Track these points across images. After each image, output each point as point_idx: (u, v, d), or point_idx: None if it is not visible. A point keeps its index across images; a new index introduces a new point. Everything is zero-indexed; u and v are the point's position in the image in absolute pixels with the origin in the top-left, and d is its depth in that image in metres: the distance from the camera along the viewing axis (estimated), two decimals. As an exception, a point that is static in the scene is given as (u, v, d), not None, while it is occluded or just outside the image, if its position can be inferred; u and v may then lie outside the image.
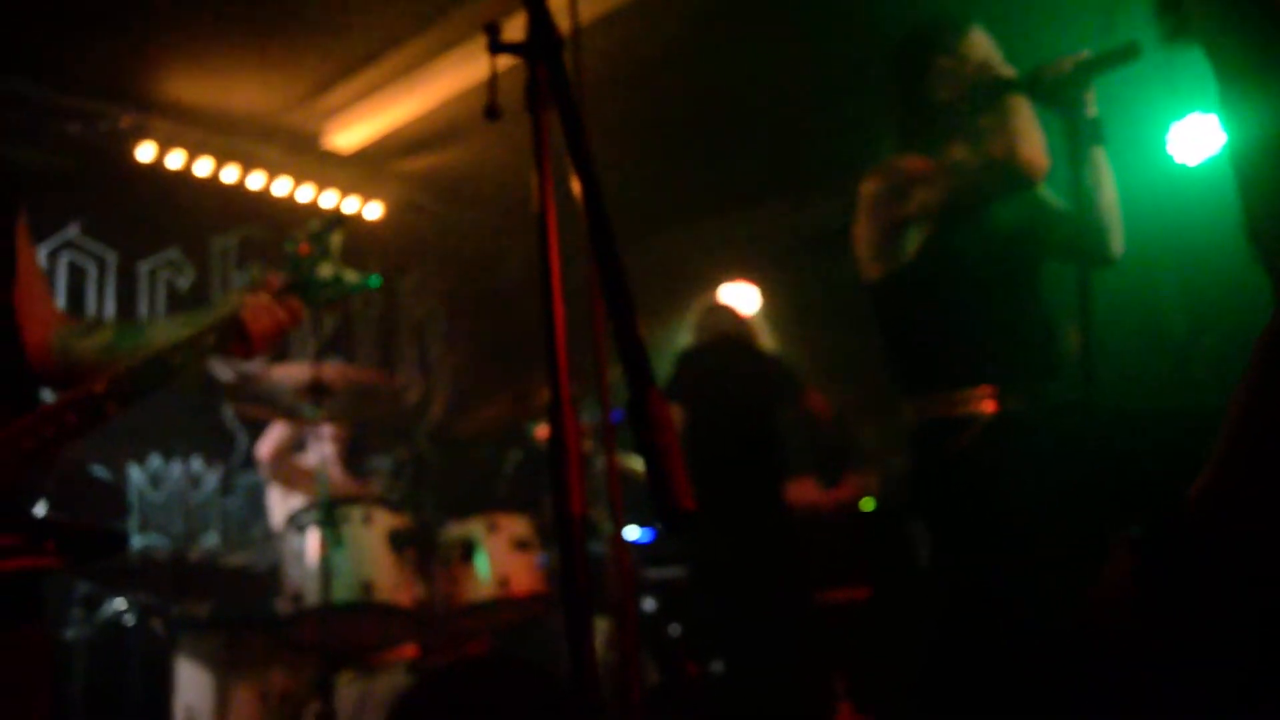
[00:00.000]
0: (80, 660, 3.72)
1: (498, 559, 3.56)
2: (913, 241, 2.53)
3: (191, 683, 3.70)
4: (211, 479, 5.32)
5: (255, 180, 5.38)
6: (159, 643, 3.82)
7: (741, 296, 5.52)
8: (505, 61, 1.37)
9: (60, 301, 4.79)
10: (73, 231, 5.09)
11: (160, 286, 5.39)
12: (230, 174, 5.29)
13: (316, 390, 3.60)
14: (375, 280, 2.01)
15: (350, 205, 5.74)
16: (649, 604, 4.69)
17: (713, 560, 4.40)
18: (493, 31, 1.37)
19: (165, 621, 3.82)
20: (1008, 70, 2.52)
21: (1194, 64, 1.32)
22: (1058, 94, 2.35)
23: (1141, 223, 2.54)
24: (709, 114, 5.12)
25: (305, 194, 5.56)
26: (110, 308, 5.17)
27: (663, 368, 4.59)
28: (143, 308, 5.30)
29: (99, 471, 4.51)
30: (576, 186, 1.18)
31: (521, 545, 3.62)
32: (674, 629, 4.64)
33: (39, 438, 1.63)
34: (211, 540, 5.13)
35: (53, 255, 4.98)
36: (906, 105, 2.64)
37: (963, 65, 2.53)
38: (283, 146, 5.34)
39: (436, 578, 3.55)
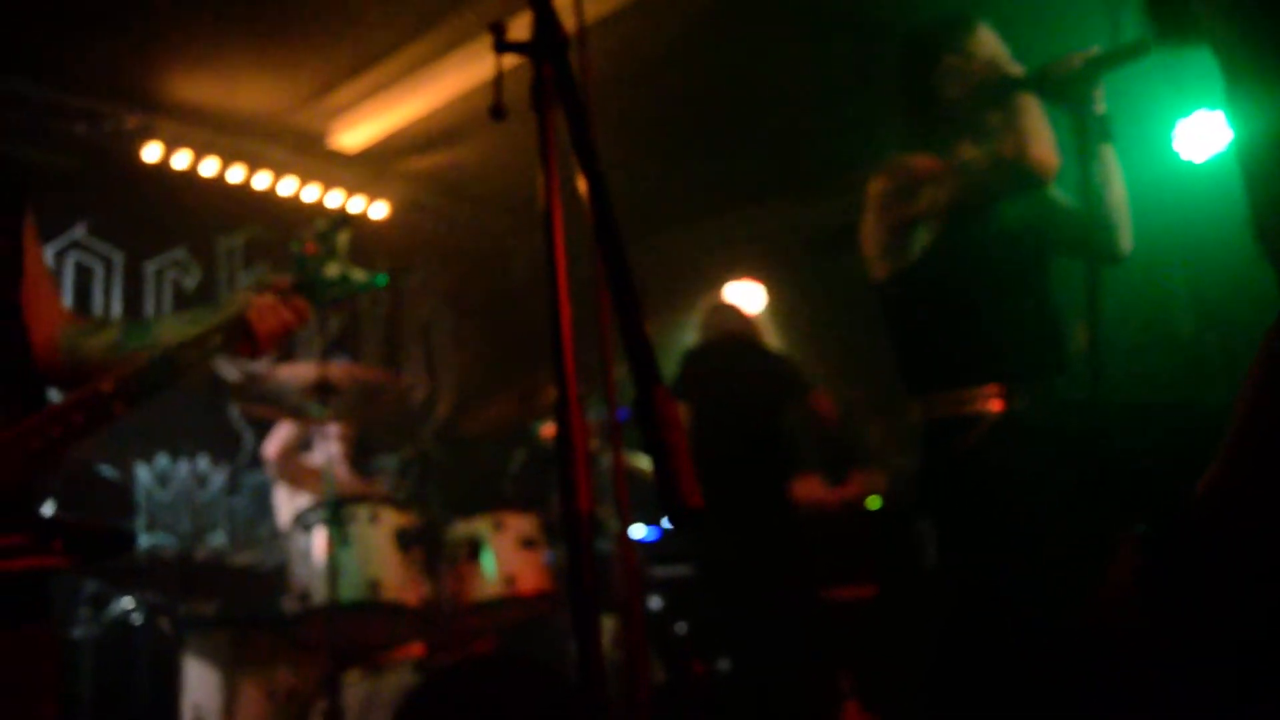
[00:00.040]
0: (88, 659, 3.73)
1: (504, 558, 3.56)
2: (920, 240, 2.53)
3: (199, 681, 3.70)
4: (218, 478, 5.33)
5: (261, 180, 5.39)
6: (166, 641, 3.83)
7: (747, 295, 5.52)
8: (510, 61, 1.38)
9: (67, 301, 4.80)
10: (79, 232, 5.10)
11: (167, 286, 5.41)
12: (236, 174, 5.30)
13: (323, 389, 3.61)
14: (382, 279, 2.01)
15: (356, 205, 5.75)
16: (655, 602, 4.69)
17: (719, 559, 4.40)
18: (498, 31, 1.38)
19: (173, 620, 3.83)
20: (1015, 68, 2.51)
21: (1200, 61, 1.32)
22: (1066, 91, 2.34)
23: (1148, 220, 2.54)
24: (714, 112, 5.11)
25: (311, 194, 5.57)
26: (117, 307, 5.18)
27: (668, 366, 4.59)
28: (149, 307, 5.31)
29: (106, 471, 4.52)
30: (583, 185, 1.18)
31: (528, 544, 3.63)
32: (680, 627, 4.65)
33: (46, 438, 1.63)
34: (218, 539, 5.14)
35: (60, 255, 4.99)
36: (914, 103, 2.63)
37: (970, 63, 2.53)
38: (288, 146, 5.35)
39: (443, 576, 3.55)
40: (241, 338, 1.82)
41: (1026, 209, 2.53)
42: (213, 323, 1.81)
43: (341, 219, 1.99)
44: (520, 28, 1.36)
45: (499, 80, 1.40)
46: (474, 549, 3.57)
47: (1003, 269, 2.51)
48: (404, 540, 3.46)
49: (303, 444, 4.44)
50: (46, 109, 4.73)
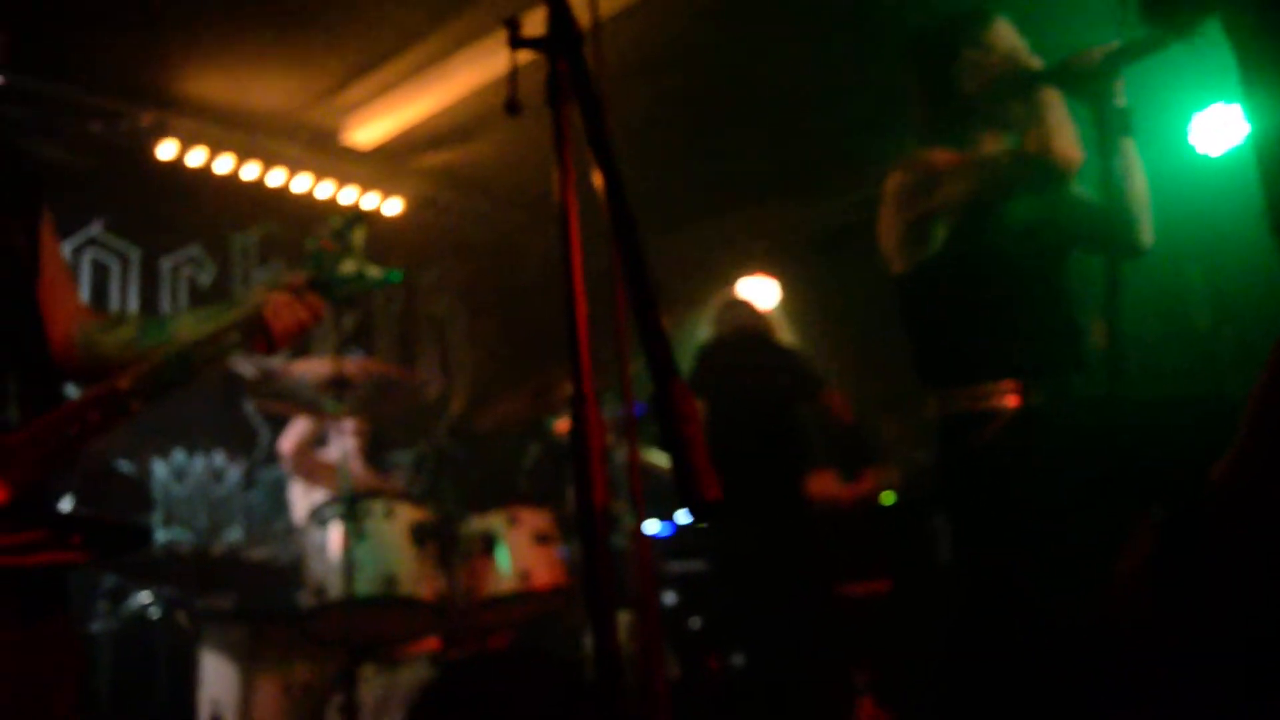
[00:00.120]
0: (106, 652, 3.76)
1: (518, 552, 3.57)
2: (938, 234, 2.52)
3: (216, 675, 3.73)
4: (234, 473, 5.36)
5: (275, 177, 5.41)
6: (184, 635, 3.85)
7: (760, 291, 5.52)
8: (524, 56, 1.38)
9: (84, 298, 4.82)
10: (96, 229, 5.14)
11: (182, 283, 5.44)
12: (251, 171, 5.32)
13: (338, 385, 3.62)
14: (396, 275, 2.02)
15: (370, 201, 5.76)
16: (670, 597, 4.70)
17: (733, 554, 4.41)
18: (513, 27, 1.38)
19: (190, 614, 3.85)
20: (1034, 61, 2.50)
21: (1217, 54, 1.31)
22: (1087, 84, 2.33)
23: (1164, 214, 2.53)
24: (727, 108, 5.11)
25: (325, 190, 5.59)
26: (133, 304, 5.21)
27: (681, 362, 4.58)
28: (165, 304, 5.34)
29: (123, 466, 4.55)
30: (598, 180, 1.19)
31: (542, 539, 3.63)
32: (695, 622, 4.65)
33: (63, 435, 1.64)
34: (234, 534, 5.17)
35: (76, 252, 5.03)
36: (932, 98, 2.62)
37: (989, 56, 2.52)
38: (302, 143, 5.36)
39: (458, 571, 3.56)
40: (257, 335, 1.83)
41: (1045, 203, 2.52)
42: (228, 320, 1.82)
43: (357, 216, 2.00)
44: (535, 23, 1.37)
45: (514, 76, 1.41)
46: (488, 544, 3.57)
47: (1021, 264, 2.50)
48: (419, 535, 3.47)
49: (318, 439, 4.45)
50: (63, 107, 4.75)
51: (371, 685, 3.45)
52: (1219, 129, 4.27)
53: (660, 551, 4.73)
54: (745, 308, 4.80)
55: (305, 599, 3.46)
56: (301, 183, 5.49)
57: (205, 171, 5.19)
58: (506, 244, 6.33)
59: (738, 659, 4.47)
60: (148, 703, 3.90)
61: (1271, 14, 1.21)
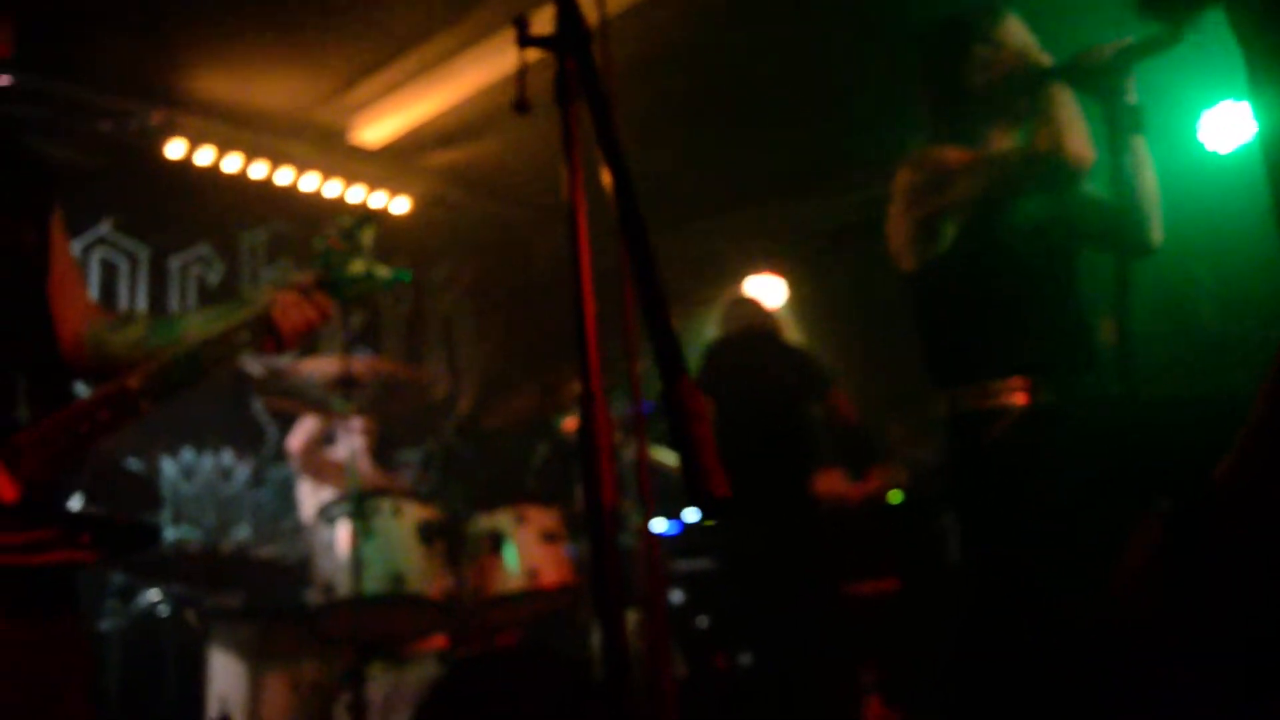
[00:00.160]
0: (115, 650, 3.77)
1: (526, 551, 3.57)
2: (948, 233, 2.51)
3: (225, 673, 3.74)
4: (242, 472, 5.38)
5: (283, 176, 5.42)
6: (193, 633, 3.87)
7: (767, 289, 5.52)
8: (532, 54, 1.38)
9: (93, 297, 4.84)
10: (105, 228, 5.15)
11: (191, 282, 5.45)
12: (259, 170, 5.33)
13: (346, 383, 3.63)
14: (405, 275, 2.02)
15: (378, 200, 5.77)
16: (677, 596, 4.70)
17: (740, 552, 4.40)
18: (521, 25, 1.38)
19: (198, 612, 3.86)
20: (1044, 57, 2.49)
21: (1226, 51, 1.31)
22: (1098, 81, 2.32)
23: (1173, 211, 2.52)
24: (735, 106, 5.10)
25: (333, 189, 5.60)
26: (142, 303, 5.23)
27: (689, 360, 4.58)
28: (174, 302, 5.36)
29: (132, 464, 4.56)
30: (607, 178, 1.19)
31: (549, 537, 3.63)
32: (702, 621, 4.65)
33: (73, 434, 1.65)
34: (243, 532, 5.19)
35: (85, 251, 5.04)
36: (942, 94, 2.61)
37: (1000, 52, 2.51)
38: (310, 142, 5.37)
39: (465, 570, 3.56)
40: (266, 335, 1.83)
41: (1055, 201, 2.51)
42: (237, 320, 1.82)
43: (366, 216, 1.99)
44: (542, 21, 1.37)
45: (522, 75, 1.41)
46: (496, 542, 3.58)
47: (1030, 261, 2.50)
48: (427, 534, 3.48)
49: (326, 438, 4.46)
50: (72, 107, 4.77)
51: (379, 683, 3.45)
52: (1228, 126, 4.26)
53: (667, 550, 4.73)
54: (752, 306, 4.80)
55: (313, 597, 3.47)
56: (309, 181, 5.50)
57: (213, 170, 5.20)
58: (514, 243, 6.34)
59: (745, 658, 4.47)
60: (156, 700, 3.91)
61: (1274, 9, 1.21)
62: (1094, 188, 2.53)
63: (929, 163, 2.54)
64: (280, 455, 5.14)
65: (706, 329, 4.82)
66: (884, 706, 4.30)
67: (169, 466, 5.13)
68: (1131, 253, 2.44)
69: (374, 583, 3.34)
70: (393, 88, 4.98)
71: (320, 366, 3.71)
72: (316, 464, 4.41)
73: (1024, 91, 2.44)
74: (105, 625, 3.80)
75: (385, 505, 3.48)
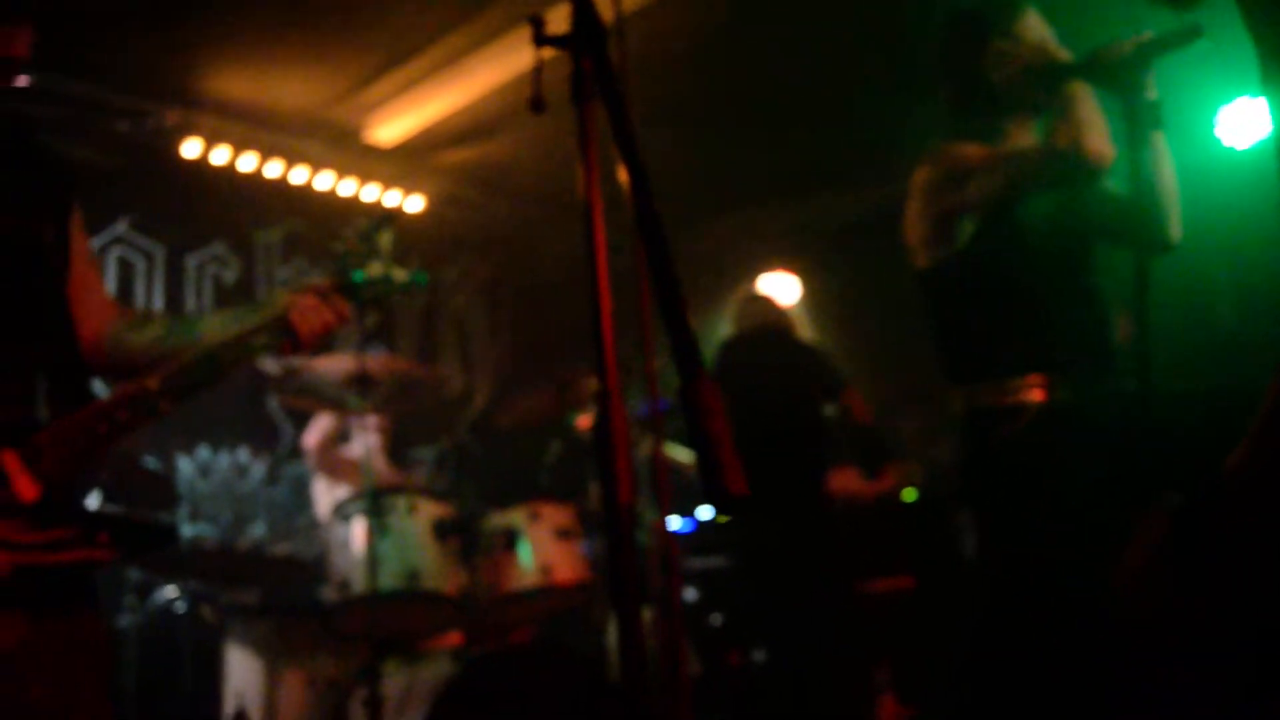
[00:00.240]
0: (133, 646, 3.79)
1: (540, 548, 3.58)
2: (966, 230, 2.50)
3: (241, 669, 3.76)
4: (258, 469, 5.41)
5: (298, 175, 5.44)
6: (209, 629, 3.89)
7: (781, 286, 5.51)
8: (546, 52, 1.38)
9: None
10: (121, 227, 5.19)
11: (207, 280, 5.48)
12: (274, 169, 5.35)
13: (361, 382, 3.64)
14: (422, 277, 2.02)
15: (392, 199, 5.79)
16: (690, 593, 4.71)
17: (754, 550, 4.40)
18: (537, 25, 1.38)
19: (215, 609, 3.88)
20: (1063, 52, 2.48)
21: (1244, 46, 1.31)
22: (1118, 76, 2.31)
23: (1189, 207, 2.51)
24: (749, 103, 5.10)
25: (347, 188, 5.62)
26: (158, 301, 5.26)
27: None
28: (190, 301, 5.39)
29: (149, 462, 4.59)
30: (623, 176, 1.19)
31: (564, 534, 3.64)
32: (716, 619, 4.65)
33: (92, 433, 1.66)
34: (259, 530, 5.21)
35: (102, 250, 5.07)
36: (960, 89, 2.59)
37: (1019, 47, 2.49)
38: (325, 141, 5.40)
39: (480, 567, 3.57)
40: (284, 337, 1.84)
41: (1073, 197, 2.50)
42: (255, 322, 1.83)
43: (384, 218, 2.00)
44: (557, 19, 1.37)
45: (538, 74, 1.41)
46: (510, 539, 3.59)
47: (1048, 258, 2.48)
48: (441, 531, 3.49)
49: (341, 436, 4.48)
50: (89, 107, 4.80)
51: (395, 680, 3.47)
52: (1245, 122, 4.23)
53: (681, 548, 4.73)
54: (766, 304, 4.79)
55: (329, 594, 3.48)
56: (324, 180, 5.53)
57: (229, 169, 5.23)
58: (528, 241, 6.35)
59: (759, 655, 4.47)
60: (173, 696, 3.94)
61: None
62: (1112, 184, 2.52)
63: (947, 159, 2.53)
64: (295, 453, 5.16)
65: (719, 327, 4.82)
66: (898, 705, 4.29)
67: (185, 464, 5.16)
68: (1150, 249, 2.42)
69: (389, 580, 3.35)
70: (407, 87, 4.99)
71: (335, 364, 3.72)
72: (331, 461, 4.43)
73: (1043, 87, 2.43)
74: (122, 621, 3.82)
75: (400, 502, 3.49)
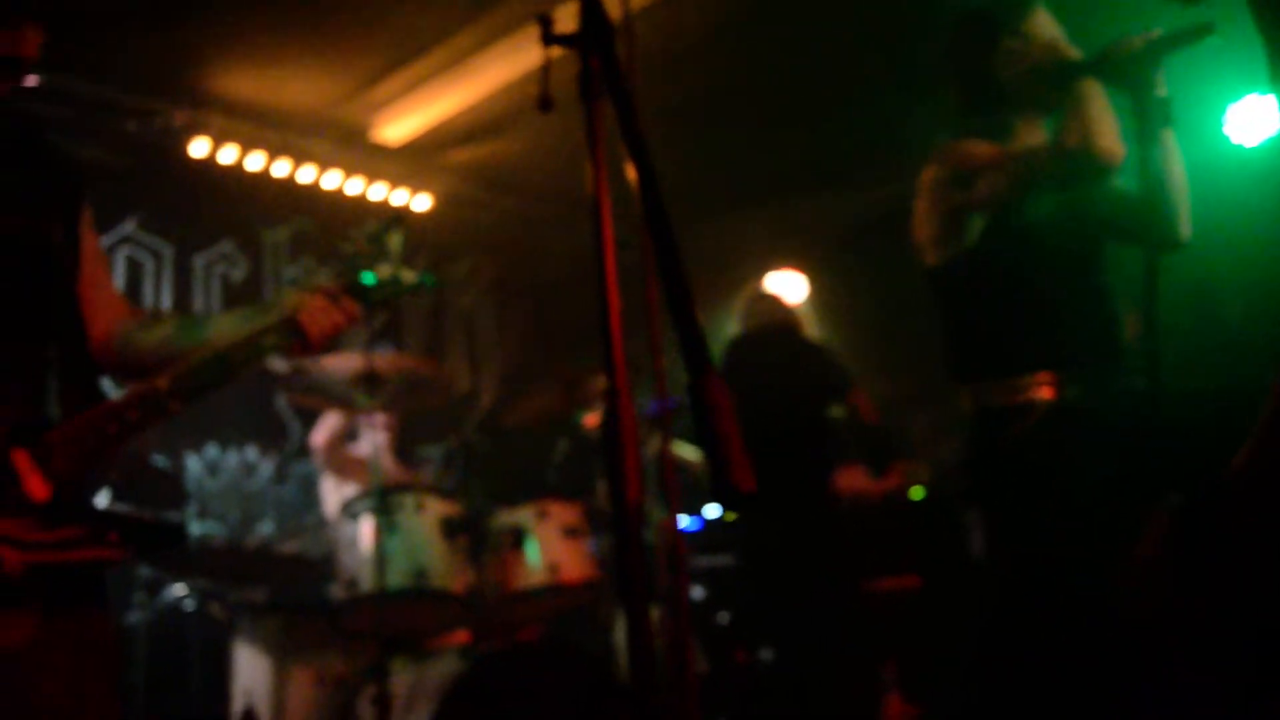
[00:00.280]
0: (142, 643, 3.81)
1: (548, 546, 3.58)
2: (975, 227, 2.50)
3: (250, 666, 3.77)
4: (266, 468, 5.42)
5: (306, 174, 5.45)
6: (218, 627, 3.90)
7: (788, 285, 5.50)
8: (553, 51, 1.39)
9: (119, 295, 4.89)
10: (130, 226, 5.20)
11: (215, 279, 5.50)
12: (282, 168, 5.36)
13: (369, 380, 3.65)
14: (430, 279, 2.03)
15: (399, 198, 5.79)
16: (697, 592, 4.71)
17: (761, 548, 4.40)
18: (545, 24, 1.39)
19: (224, 607, 3.89)
20: (1072, 50, 2.47)
21: (1251, 44, 1.30)
22: (1127, 74, 2.30)
23: (1197, 204, 2.50)
24: (756, 101, 5.10)
25: (355, 187, 5.62)
26: (167, 300, 5.27)
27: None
28: (198, 300, 5.40)
29: (158, 461, 4.61)
30: (632, 173, 1.19)
31: (571, 532, 3.64)
32: (722, 617, 4.65)
33: (103, 433, 1.67)
34: (267, 528, 5.22)
35: (111, 250, 5.09)
36: (969, 87, 2.59)
37: (1029, 45, 2.49)
38: (332, 140, 5.40)
39: (488, 565, 3.57)
40: (293, 338, 1.85)
41: (1083, 196, 2.49)
42: (265, 323, 1.83)
43: (393, 219, 2.00)
44: (565, 17, 1.37)
45: (545, 72, 1.41)
46: (518, 538, 3.59)
47: (1057, 256, 2.48)
48: (449, 529, 3.49)
49: (349, 434, 4.49)
50: (98, 107, 4.81)
51: (403, 677, 3.47)
52: (1254, 120, 4.22)
53: (688, 546, 4.73)
54: (773, 302, 4.78)
55: (337, 592, 3.49)
56: (331, 179, 5.53)
57: (237, 169, 5.24)
58: (534, 239, 6.35)
59: (765, 654, 4.47)
60: (182, 693, 3.95)
61: None
62: (1122, 182, 2.51)
63: (956, 157, 2.53)
64: (303, 451, 5.17)
65: (727, 325, 4.81)
66: (904, 703, 4.29)
67: (194, 463, 5.18)
68: (1160, 247, 2.41)
69: (397, 578, 3.35)
70: (414, 86, 5.00)
71: (343, 363, 3.73)
72: (339, 460, 4.44)
73: (1053, 85, 2.42)
74: (132, 619, 3.83)
75: (408, 501, 3.50)
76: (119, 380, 2.05)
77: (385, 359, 3.80)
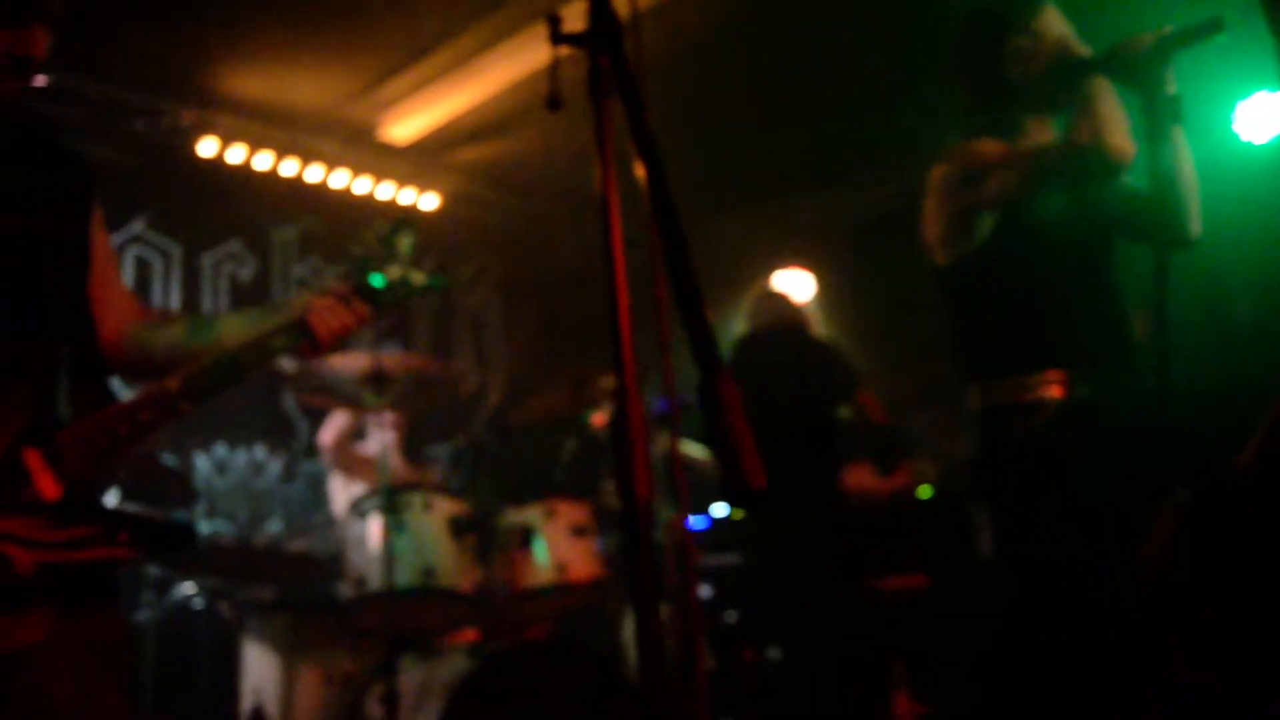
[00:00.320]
0: (151, 642, 3.82)
1: (556, 545, 3.58)
2: (985, 226, 2.49)
3: (259, 664, 3.78)
4: (274, 466, 5.43)
5: (314, 173, 5.46)
6: (226, 625, 3.91)
7: (795, 283, 5.50)
8: (561, 49, 1.39)
9: (127, 294, 4.90)
10: (138, 226, 5.21)
11: (223, 278, 5.51)
12: (289, 167, 5.37)
13: (376, 379, 3.65)
14: (439, 281, 2.03)
15: (406, 196, 5.80)
16: (705, 591, 4.71)
17: (768, 547, 4.40)
18: (554, 23, 1.39)
19: (232, 605, 3.90)
20: (1082, 48, 2.46)
21: (1260, 40, 1.30)
22: (1137, 72, 2.29)
23: (1207, 202, 2.49)
24: (763, 100, 5.09)
25: (362, 186, 5.64)
26: (175, 300, 5.29)
27: (717, 355, 4.56)
28: (206, 299, 5.41)
29: (167, 459, 4.62)
30: (640, 172, 1.19)
31: (579, 531, 3.65)
32: (730, 616, 4.65)
33: (114, 434, 1.67)
34: (275, 527, 5.23)
35: (119, 249, 5.10)
36: (979, 86, 2.58)
37: (1040, 44, 2.48)
38: (340, 139, 5.41)
39: (496, 564, 3.58)
40: (302, 339, 1.85)
41: (1093, 194, 2.48)
42: (274, 324, 1.84)
43: (403, 221, 2.01)
44: (572, 16, 1.37)
45: (555, 73, 1.41)
46: (526, 536, 3.59)
47: (1067, 254, 2.47)
48: (457, 528, 3.50)
49: (357, 433, 4.49)
50: (106, 106, 4.83)
51: (411, 675, 3.48)
52: (1263, 117, 4.21)
53: (695, 545, 4.73)
54: (780, 300, 4.78)
55: (345, 590, 3.50)
56: (339, 178, 5.55)
57: (245, 168, 5.25)
58: (542, 238, 6.35)
59: (773, 653, 4.46)
60: (191, 691, 3.96)
61: None
62: (1131, 179, 2.50)
63: (965, 156, 2.52)
64: (311, 450, 5.18)
65: (734, 324, 4.81)
66: (912, 701, 4.29)
67: (202, 461, 5.19)
68: (1170, 245, 2.40)
69: (405, 576, 3.36)
70: (421, 85, 5.00)
71: (350, 362, 3.74)
72: (347, 458, 4.44)
73: (1063, 83, 2.41)
74: (141, 617, 3.85)
75: (416, 499, 3.50)
76: (129, 380, 2.06)
77: (393, 358, 3.81)
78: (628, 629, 4.18)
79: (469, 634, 3.82)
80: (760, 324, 4.68)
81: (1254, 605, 1.21)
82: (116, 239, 5.08)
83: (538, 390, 4.57)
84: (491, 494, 3.88)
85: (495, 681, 3.29)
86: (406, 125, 5.36)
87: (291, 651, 3.71)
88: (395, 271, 1.96)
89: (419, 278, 1.98)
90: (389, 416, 4.26)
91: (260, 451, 5.40)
